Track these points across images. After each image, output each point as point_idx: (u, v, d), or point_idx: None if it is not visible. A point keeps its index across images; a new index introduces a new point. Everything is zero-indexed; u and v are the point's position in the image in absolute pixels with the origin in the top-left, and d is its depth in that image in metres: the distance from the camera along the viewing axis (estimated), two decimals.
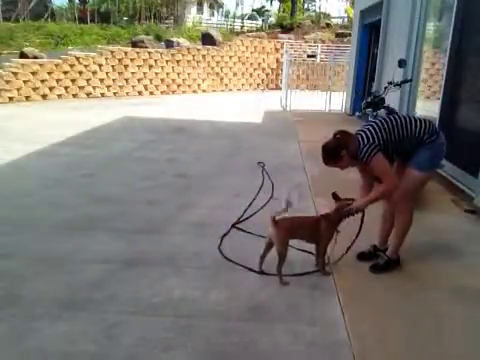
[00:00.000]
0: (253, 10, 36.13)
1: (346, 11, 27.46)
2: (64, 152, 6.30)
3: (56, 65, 12.14)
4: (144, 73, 14.42)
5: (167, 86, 15.20)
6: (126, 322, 2.39)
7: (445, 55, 5.25)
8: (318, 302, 2.62)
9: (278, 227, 2.74)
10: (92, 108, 10.89)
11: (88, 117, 9.33)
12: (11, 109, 10.26)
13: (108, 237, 3.46)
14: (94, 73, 13.12)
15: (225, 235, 3.50)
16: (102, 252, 3.20)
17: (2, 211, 4.01)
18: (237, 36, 19.92)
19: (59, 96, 12.26)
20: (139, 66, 14.27)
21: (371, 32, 10.09)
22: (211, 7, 35.12)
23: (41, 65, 11.83)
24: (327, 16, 29.45)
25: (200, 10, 32.67)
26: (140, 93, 14.39)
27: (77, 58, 12.66)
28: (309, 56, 16.53)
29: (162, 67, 14.92)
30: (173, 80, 15.35)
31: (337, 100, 11.38)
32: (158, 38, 17.71)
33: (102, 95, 13.35)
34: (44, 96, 11.91)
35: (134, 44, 15.11)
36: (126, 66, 13.94)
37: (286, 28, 21.95)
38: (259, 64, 18.29)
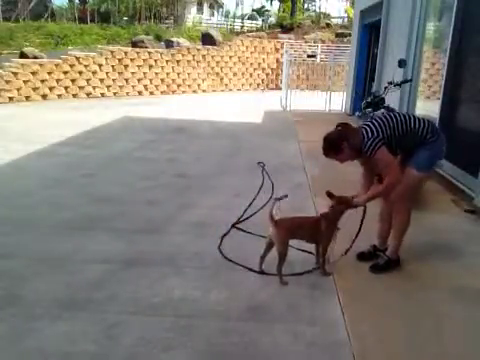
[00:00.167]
0: (253, 10, 36.11)
1: (346, 11, 27.45)
2: (64, 152, 6.30)
3: (56, 65, 12.14)
4: (144, 73, 14.42)
5: (167, 86, 15.20)
6: (126, 322, 2.39)
7: (445, 55, 5.25)
8: (318, 302, 2.62)
9: (278, 227, 2.74)
10: (92, 108, 10.89)
11: (88, 117, 9.33)
12: (11, 109, 10.26)
13: (108, 237, 3.46)
14: (94, 73, 13.12)
15: (225, 235, 3.50)
16: (102, 252, 3.20)
17: (2, 211, 4.01)
18: (237, 36, 19.92)
19: (59, 96, 12.26)
20: (139, 66, 14.26)
21: (371, 32, 10.09)
22: (211, 7, 35.11)
23: (41, 65, 11.83)
24: (327, 16, 29.43)
25: (200, 10, 32.66)
26: (140, 93, 14.38)
27: (77, 58, 12.66)
28: (309, 56, 16.52)
29: (162, 67, 14.92)
30: (173, 80, 15.35)
31: (337, 100, 11.38)
32: (158, 38, 17.71)
33: (102, 95, 13.35)
34: (44, 96, 11.91)
35: (134, 44, 15.10)
36: (126, 66, 13.94)
37: (286, 28, 21.94)
38: (259, 64, 18.29)
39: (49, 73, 11.97)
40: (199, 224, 3.78)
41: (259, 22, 30.00)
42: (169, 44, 15.73)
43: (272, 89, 18.00)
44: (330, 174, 5.21)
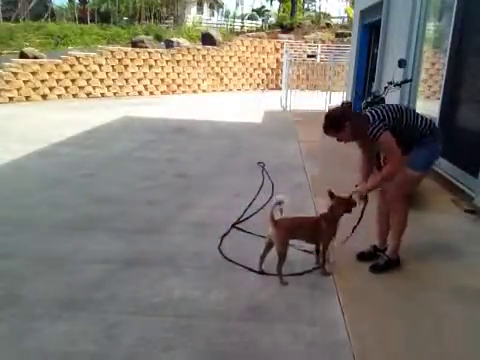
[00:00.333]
0: (253, 10, 36.12)
1: (346, 11, 27.45)
2: (64, 152, 6.30)
3: (56, 65, 12.14)
4: (144, 73, 14.42)
5: (167, 86, 15.20)
6: (126, 322, 2.39)
7: (445, 55, 5.25)
8: (318, 302, 2.62)
9: (278, 227, 2.74)
10: (92, 108, 10.89)
11: (88, 117, 9.33)
12: (11, 109, 10.26)
13: (108, 237, 3.46)
14: (94, 73, 13.12)
15: (225, 235, 3.50)
16: (102, 252, 3.20)
17: (2, 211, 4.01)
18: (237, 36, 19.91)
19: (59, 96, 12.26)
20: (139, 66, 14.27)
21: (371, 32, 10.07)
22: (211, 7, 35.10)
23: (41, 65, 11.83)
24: (327, 16, 29.43)
25: (200, 10, 32.66)
26: (140, 93, 14.38)
27: (77, 58, 12.66)
28: (309, 56, 16.52)
29: (162, 67, 14.92)
30: (173, 80, 15.35)
31: (337, 100, 11.37)
32: (158, 38, 17.70)
33: (102, 95, 13.35)
34: (44, 96, 11.91)
35: (134, 44, 15.10)
36: (126, 66, 13.94)
37: (286, 28, 21.94)
38: (259, 64, 18.29)
39: (49, 73, 11.97)
40: (199, 224, 3.78)
41: (259, 22, 30.00)
42: (169, 44, 15.73)
43: (272, 89, 18.00)
44: (330, 174, 5.22)
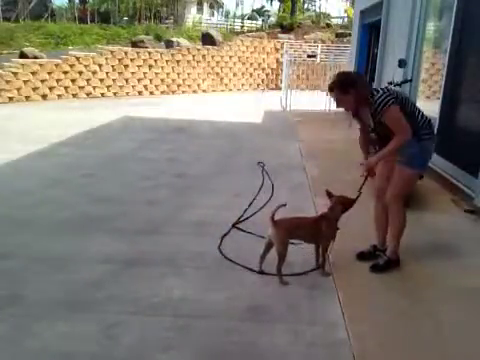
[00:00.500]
0: (253, 10, 36.15)
1: (346, 11, 27.46)
2: (64, 152, 6.30)
3: (56, 65, 12.13)
4: (144, 73, 14.41)
5: (167, 86, 15.20)
6: (126, 322, 2.39)
7: (445, 55, 5.25)
8: (318, 302, 2.62)
9: (278, 227, 2.74)
10: (92, 108, 10.89)
11: (88, 117, 9.33)
12: (11, 109, 10.26)
13: (108, 237, 3.46)
14: (94, 73, 13.12)
15: (225, 235, 3.50)
16: (102, 252, 3.20)
17: (2, 211, 4.01)
18: (237, 36, 19.91)
19: (59, 96, 12.26)
20: (139, 66, 14.26)
21: (371, 32, 10.08)
22: (211, 7, 35.12)
23: (41, 65, 11.83)
24: (327, 16, 29.47)
25: (200, 10, 32.68)
26: (140, 93, 14.38)
27: (77, 58, 12.66)
28: (309, 56, 16.52)
29: (162, 67, 14.92)
30: (173, 80, 15.34)
31: None
32: (158, 38, 17.71)
33: (102, 95, 13.35)
34: (44, 96, 11.90)
35: (134, 44, 15.10)
36: (126, 66, 13.93)
37: (286, 28, 21.93)
38: (259, 64, 18.28)
39: (49, 73, 11.96)
40: (199, 224, 3.78)
41: (259, 22, 30.02)
42: (169, 44, 15.73)
43: (272, 89, 17.99)
44: (330, 174, 5.22)
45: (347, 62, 12.23)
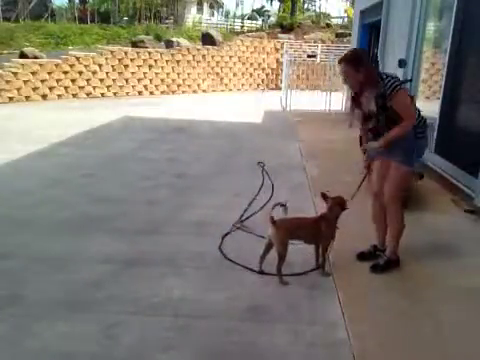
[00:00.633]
0: (253, 10, 36.15)
1: (346, 11, 27.46)
2: (64, 152, 6.30)
3: (56, 65, 12.13)
4: (144, 73, 14.41)
5: (167, 86, 15.20)
6: (126, 322, 2.39)
7: (445, 55, 5.25)
8: (318, 302, 2.62)
9: (277, 227, 2.74)
10: (92, 108, 10.89)
11: (88, 117, 9.33)
12: (11, 109, 10.26)
13: (108, 237, 3.46)
14: (94, 73, 13.12)
15: (226, 235, 3.50)
16: (102, 252, 3.20)
17: (2, 211, 4.01)
18: (237, 36, 19.91)
19: (59, 96, 12.26)
20: (139, 66, 14.26)
21: (371, 32, 10.07)
22: (211, 7, 35.12)
23: (41, 65, 11.83)
24: (327, 16, 29.47)
25: (200, 10, 32.67)
26: (140, 93, 14.38)
27: (77, 58, 12.66)
28: (309, 56, 16.51)
29: (162, 67, 14.92)
30: (173, 80, 15.34)
31: (337, 100, 11.37)
32: (158, 38, 17.71)
33: (102, 95, 13.35)
34: (44, 96, 11.90)
35: (134, 44, 15.11)
36: (126, 66, 13.93)
37: (286, 28, 21.93)
38: (259, 64, 18.28)
39: (49, 73, 11.96)
40: (199, 224, 3.78)
41: (259, 22, 30.03)
42: (169, 44, 15.73)
43: (272, 89, 17.99)
44: (330, 174, 5.22)
45: None
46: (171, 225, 3.76)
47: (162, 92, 14.99)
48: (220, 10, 35.79)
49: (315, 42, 19.02)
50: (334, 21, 26.64)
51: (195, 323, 2.40)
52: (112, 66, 13.57)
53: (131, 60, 14.04)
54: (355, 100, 2.88)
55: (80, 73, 12.74)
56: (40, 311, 2.47)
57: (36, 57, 12.22)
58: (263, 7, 37.06)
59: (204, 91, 16.31)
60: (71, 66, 12.49)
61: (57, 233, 3.52)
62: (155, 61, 14.68)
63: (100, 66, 13.25)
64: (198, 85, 16.20)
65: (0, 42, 16.12)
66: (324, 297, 2.67)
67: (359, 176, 3.01)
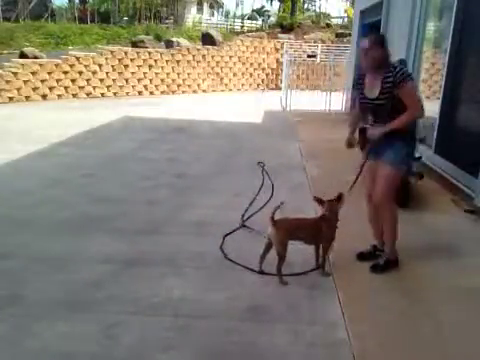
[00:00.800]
0: (253, 10, 36.15)
1: (346, 11, 27.46)
2: (64, 152, 6.30)
3: (56, 65, 12.13)
4: (144, 73, 14.41)
5: (167, 86, 15.19)
6: (126, 322, 2.39)
7: (445, 55, 5.25)
8: (318, 302, 2.62)
9: (277, 228, 2.74)
10: (92, 108, 10.89)
11: (88, 117, 9.33)
12: (11, 109, 10.26)
13: (108, 237, 3.46)
14: (94, 73, 13.11)
15: (227, 235, 3.48)
16: (102, 252, 3.20)
17: (2, 211, 4.01)
18: (237, 36, 19.91)
19: (59, 96, 12.25)
20: (139, 66, 14.25)
21: (371, 32, 10.06)
22: (211, 7, 35.12)
23: (41, 65, 11.82)
24: (327, 16, 29.47)
25: (200, 10, 32.67)
26: (140, 93, 14.38)
27: (77, 58, 12.65)
28: (309, 56, 16.51)
29: (162, 67, 14.91)
30: (173, 80, 15.34)
31: (337, 100, 11.37)
32: (158, 38, 17.70)
33: (102, 95, 13.35)
34: (44, 96, 11.90)
35: (134, 44, 15.10)
36: (126, 66, 13.93)
37: (286, 28, 21.93)
38: (259, 64, 18.28)
39: (49, 73, 11.96)
40: (199, 224, 3.78)
41: (259, 22, 30.03)
42: (169, 44, 15.73)
43: (272, 89, 17.98)
44: (330, 174, 5.22)
45: (347, 62, 12.23)
46: (171, 225, 3.76)
47: (162, 92, 14.98)
48: (220, 10, 35.80)
49: (315, 42, 19.02)
50: (334, 21, 26.64)
51: (195, 323, 2.40)
52: (112, 66, 13.57)
53: (131, 60, 14.04)
54: (361, 79, 2.92)
55: (80, 73, 12.74)
56: (40, 311, 2.47)
57: (36, 57, 12.21)
58: (263, 7, 37.07)
59: (204, 91, 16.30)
60: (71, 66, 12.49)
61: (57, 233, 3.52)
62: (155, 61, 14.68)
63: (100, 66, 13.25)
64: (198, 85, 16.20)
65: (0, 42, 16.12)
66: (324, 297, 2.67)
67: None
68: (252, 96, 15.61)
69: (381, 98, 2.74)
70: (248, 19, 30.90)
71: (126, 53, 13.92)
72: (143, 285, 2.76)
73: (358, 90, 2.94)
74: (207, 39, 16.89)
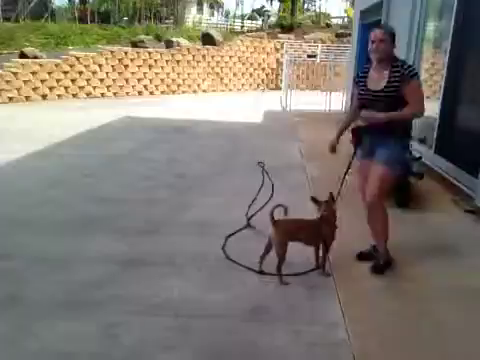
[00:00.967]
0: (253, 10, 36.17)
1: (346, 11, 27.46)
2: (64, 152, 6.30)
3: (56, 65, 12.13)
4: (144, 73, 14.42)
5: (167, 86, 15.20)
6: (126, 322, 2.39)
7: (445, 55, 5.25)
8: (318, 302, 2.62)
9: (277, 228, 2.74)
10: (92, 108, 10.88)
11: (88, 117, 9.33)
12: (11, 109, 10.26)
13: (108, 237, 3.46)
14: (94, 73, 13.12)
15: (230, 236, 3.46)
16: (102, 252, 3.20)
17: (2, 211, 4.01)
18: (237, 36, 19.90)
19: (59, 96, 12.26)
20: (139, 66, 14.26)
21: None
22: (211, 7, 35.13)
23: (41, 65, 11.83)
24: (327, 16, 29.47)
25: (200, 10, 32.70)
26: (140, 93, 14.38)
27: (77, 58, 12.66)
28: (309, 56, 16.52)
29: (162, 67, 14.92)
30: (173, 80, 15.34)
31: (337, 100, 11.37)
32: (158, 38, 17.69)
33: (102, 95, 13.35)
34: (44, 96, 11.90)
35: (134, 44, 15.10)
36: (126, 66, 13.93)
37: (286, 28, 21.92)
38: (259, 64, 18.28)
39: (49, 73, 11.96)
40: (199, 224, 3.78)
41: (259, 22, 30.03)
42: (169, 44, 15.73)
43: (272, 89, 17.99)
44: (330, 174, 5.21)
45: (347, 62, 12.23)
46: (171, 225, 3.76)
47: (162, 92, 14.99)
48: (220, 10, 35.82)
49: (315, 42, 19.02)
50: (334, 21, 26.65)
51: (195, 323, 2.40)
52: (112, 66, 13.57)
53: (131, 60, 14.05)
54: (363, 77, 2.90)
55: (80, 73, 12.74)
56: (40, 311, 2.47)
57: (36, 57, 12.21)
58: (263, 7, 37.10)
59: (204, 91, 16.31)
60: (71, 66, 12.50)
61: (57, 233, 3.52)
62: (155, 61, 14.68)
63: (100, 66, 13.26)
64: (198, 85, 16.20)
65: (0, 42, 16.11)
66: (324, 297, 2.67)
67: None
68: (252, 96, 15.61)
69: (386, 91, 2.73)
70: (248, 19, 30.92)
71: (126, 53, 13.93)
72: (143, 285, 2.76)
73: (359, 84, 2.92)
74: (207, 39, 16.90)
